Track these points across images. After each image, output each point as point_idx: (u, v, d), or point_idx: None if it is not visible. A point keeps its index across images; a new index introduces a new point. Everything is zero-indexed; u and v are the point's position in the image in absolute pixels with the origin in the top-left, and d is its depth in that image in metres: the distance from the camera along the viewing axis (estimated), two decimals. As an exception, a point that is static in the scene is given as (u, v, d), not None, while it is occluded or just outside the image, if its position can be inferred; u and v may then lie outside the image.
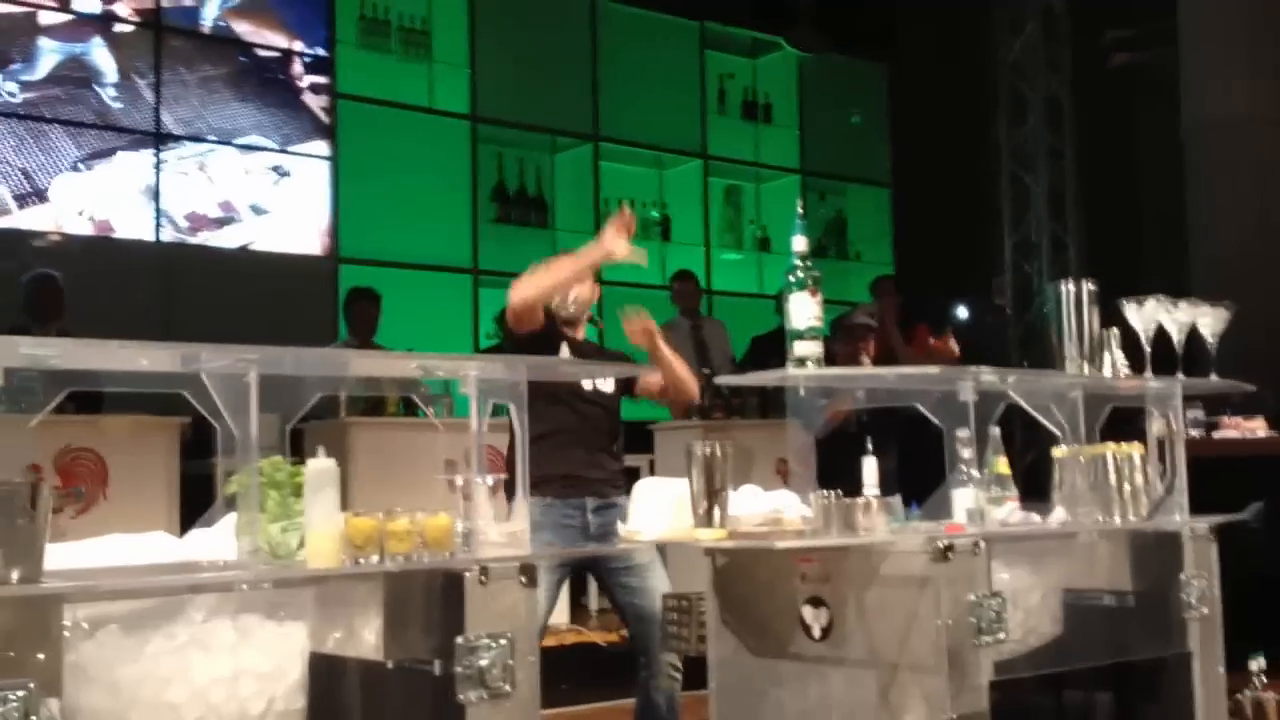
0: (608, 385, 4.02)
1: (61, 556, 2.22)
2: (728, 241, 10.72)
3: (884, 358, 5.93)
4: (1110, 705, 3.32)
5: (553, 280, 3.87)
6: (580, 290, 4.02)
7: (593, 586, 7.46)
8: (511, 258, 9.18)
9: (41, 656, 1.93)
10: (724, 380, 6.44)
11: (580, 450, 3.93)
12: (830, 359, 4.88)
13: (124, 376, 2.48)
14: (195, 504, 4.94)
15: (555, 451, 3.83)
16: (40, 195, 7.71)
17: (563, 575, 4.01)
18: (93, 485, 5.69)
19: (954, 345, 4.59)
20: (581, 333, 4.10)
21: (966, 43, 10.59)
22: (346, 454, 5.93)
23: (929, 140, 10.45)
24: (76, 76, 7.92)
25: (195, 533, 2.47)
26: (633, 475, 4.18)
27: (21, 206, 7.64)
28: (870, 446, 3.15)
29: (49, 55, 7.84)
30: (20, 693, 1.85)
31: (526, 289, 3.82)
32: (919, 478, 3.24)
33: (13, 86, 7.68)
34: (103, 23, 8.04)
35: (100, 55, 8.03)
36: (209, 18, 8.44)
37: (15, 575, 1.95)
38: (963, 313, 10.74)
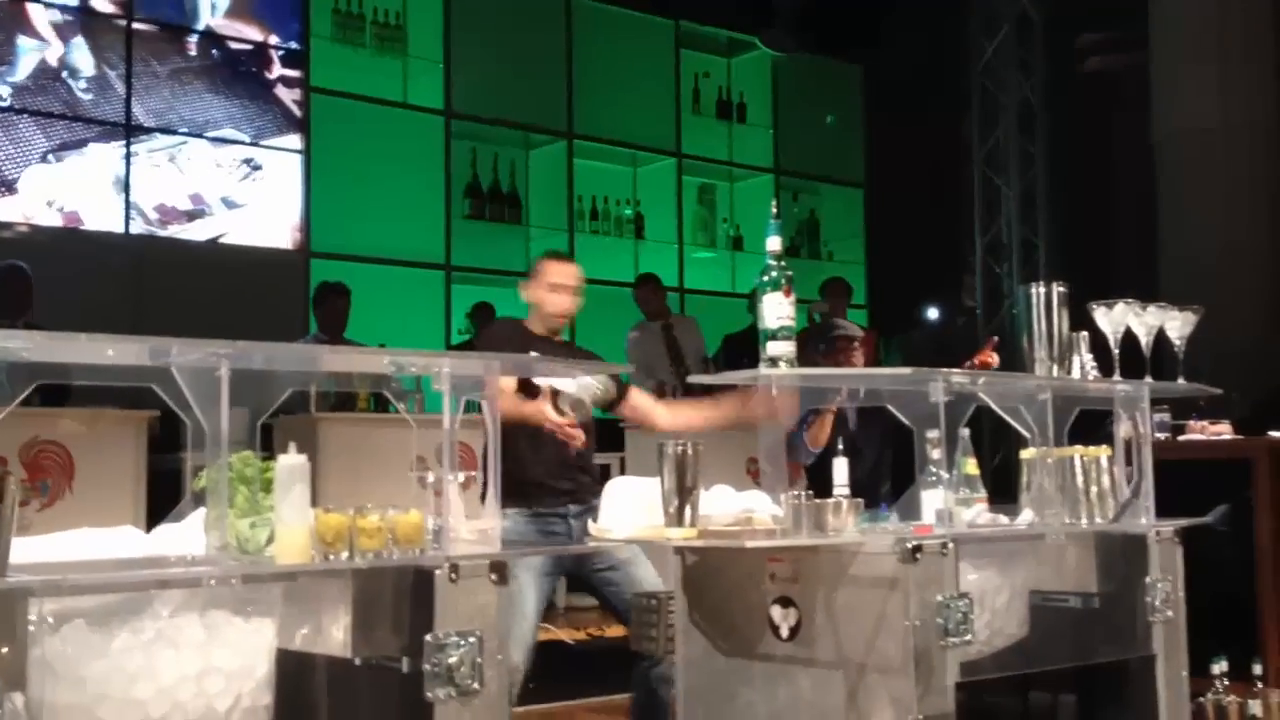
0: (569, 387, 3.99)
1: (27, 550, 2.20)
2: (701, 240, 10.72)
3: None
4: (1074, 707, 3.34)
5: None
6: (562, 303, 4.04)
7: (561, 584, 7.46)
8: (484, 254, 9.18)
9: (6, 651, 1.92)
10: (697, 379, 6.44)
11: (555, 455, 3.94)
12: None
13: (93, 370, 2.45)
14: (161, 499, 4.93)
15: (531, 458, 3.85)
16: (9, 186, 7.64)
17: (554, 581, 4.04)
18: (59, 479, 5.64)
19: (995, 359, 4.64)
20: (559, 336, 4.13)
21: (940, 45, 10.63)
22: (317, 449, 5.90)
23: (902, 141, 10.48)
24: (47, 67, 7.86)
25: (163, 528, 2.46)
26: (603, 474, 4.18)
27: (-10, 197, 7.59)
28: (841, 447, 3.16)
29: (29, 56, 7.77)
30: (-15, 688, 1.84)
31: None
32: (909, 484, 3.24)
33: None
34: (75, 14, 7.97)
35: (73, 47, 7.96)
36: (198, 22, 8.38)
37: (-19, 569, 1.94)
38: (933, 313, 10.78)
